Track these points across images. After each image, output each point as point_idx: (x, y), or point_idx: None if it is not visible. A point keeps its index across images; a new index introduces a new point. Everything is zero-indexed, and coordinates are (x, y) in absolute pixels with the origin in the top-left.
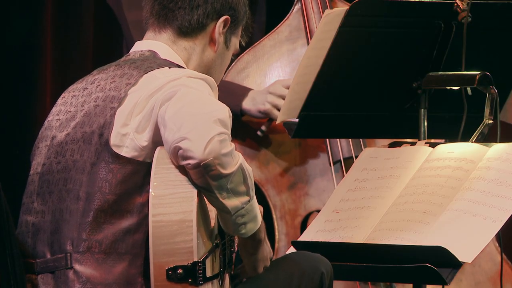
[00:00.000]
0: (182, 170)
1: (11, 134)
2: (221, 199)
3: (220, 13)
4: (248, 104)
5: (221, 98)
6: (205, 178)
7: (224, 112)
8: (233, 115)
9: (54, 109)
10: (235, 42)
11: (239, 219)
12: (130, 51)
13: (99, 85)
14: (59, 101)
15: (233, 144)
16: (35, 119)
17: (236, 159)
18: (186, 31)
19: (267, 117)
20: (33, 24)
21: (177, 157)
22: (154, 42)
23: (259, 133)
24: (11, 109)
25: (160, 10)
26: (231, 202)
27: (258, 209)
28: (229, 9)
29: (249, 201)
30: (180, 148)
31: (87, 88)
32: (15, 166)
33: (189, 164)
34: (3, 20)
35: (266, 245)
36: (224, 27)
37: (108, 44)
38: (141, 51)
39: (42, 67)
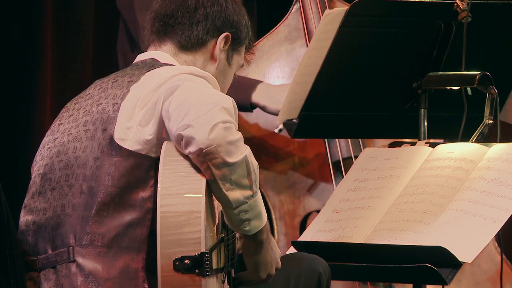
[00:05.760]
0: (191, 161)
1: (11, 135)
2: (224, 191)
3: (221, 30)
4: (262, 99)
5: (229, 92)
6: (208, 166)
7: (229, 102)
8: (243, 109)
9: (56, 119)
10: (237, 60)
11: (242, 214)
12: (132, 63)
13: (101, 87)
14: (61, 112)
15: (240, 134)
16: (35, 120)
17: (241, 150)
18: (185, 46)
19: None
20: (33, 24)
21: (181, 145)
22: (156, 52)
23: (276, 130)
24: (11, 109)
25: (160, 26)
26: (233, 195)
27: (263, 207)
28: (230, 26)
29: (252, 196)
30: (183, 136)
31: (89, 93)
32: (15, 167)
33: (190, 152)
34: (3, 20)
35: (271, 250)
36: (225, 44)
37: (109, 45)
38: (143, 59)
39: (42, 67)
